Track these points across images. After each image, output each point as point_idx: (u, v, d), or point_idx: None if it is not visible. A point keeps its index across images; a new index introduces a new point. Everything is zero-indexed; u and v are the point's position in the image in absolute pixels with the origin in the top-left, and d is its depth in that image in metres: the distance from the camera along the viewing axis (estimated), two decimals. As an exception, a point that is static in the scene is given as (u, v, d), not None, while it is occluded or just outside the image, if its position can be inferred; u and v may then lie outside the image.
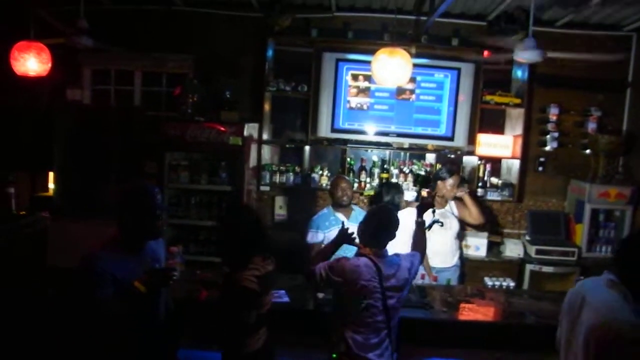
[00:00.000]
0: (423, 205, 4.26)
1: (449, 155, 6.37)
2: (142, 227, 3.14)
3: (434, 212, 4.89)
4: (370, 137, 6.35)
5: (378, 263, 3.48)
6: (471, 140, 6.33)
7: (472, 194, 5.57)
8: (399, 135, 6.36)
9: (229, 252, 3.35)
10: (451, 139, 6.34)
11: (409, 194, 6.01)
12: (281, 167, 6.42)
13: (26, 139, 6.46)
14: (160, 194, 3.24)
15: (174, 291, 3.52)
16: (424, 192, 4.78)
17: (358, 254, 3.58)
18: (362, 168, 6.38)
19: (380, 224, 3.59)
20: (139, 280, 3.07)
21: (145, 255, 3.23)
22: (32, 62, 5.26)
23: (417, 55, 5.95)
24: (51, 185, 6.39)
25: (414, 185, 6.09)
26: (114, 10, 6.48)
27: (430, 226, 4.41)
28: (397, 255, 3.68)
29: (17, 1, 5.91)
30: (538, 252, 6.02)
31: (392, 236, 3.62)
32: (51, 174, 6.37)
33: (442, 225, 4.81)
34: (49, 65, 5.37)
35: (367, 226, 3.61)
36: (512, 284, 5.70)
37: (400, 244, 4.09)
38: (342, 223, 4.14)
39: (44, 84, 5.99)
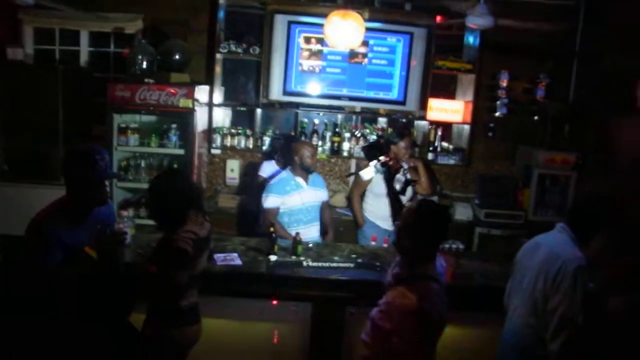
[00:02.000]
0: (391, 171, 4.36)
1: (400, 120, 6.44)
2: (88, 192, 3.12)
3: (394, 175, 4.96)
4: (322, 100, 6.39)
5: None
6: (423, 105, 6.44)
7: (425, 164, 5.65)
8: (351, 99, 6.41)
9: (162, 215, 3.31)
10: (403, 103, 6.42)
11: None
12: (232, 130, 6.40)
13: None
14: (107, 159, 3.20)
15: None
16: (383, 159, 4.83)
17: (421, 276, 2.85)
18: (314, 131, 6.43)
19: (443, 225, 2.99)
20: (89, 246, 3.07)
21: (95, 220, 3.23)
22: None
23: (370, 19, 5.99)
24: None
25: (366, 157, 5.99)
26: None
27: (404, 189, 4.48)
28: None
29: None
30: (487, 215, 6.22)
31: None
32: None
33: (414, 185, 4.93)
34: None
35: (430, 232, 2.90)
36: (461, 246, 5.85)
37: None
38: None
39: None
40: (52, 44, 6.72)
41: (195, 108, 5.62)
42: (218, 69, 6.42)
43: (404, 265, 2.89)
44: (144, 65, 5.86)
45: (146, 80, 5.71)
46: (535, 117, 6.64)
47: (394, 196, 4.39)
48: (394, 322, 2.68)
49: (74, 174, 3.12)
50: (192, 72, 6.12)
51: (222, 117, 6.61)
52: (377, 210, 5.42)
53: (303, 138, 6.29)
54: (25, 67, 6.13)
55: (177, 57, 5.95)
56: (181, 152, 5.66)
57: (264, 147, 6.35)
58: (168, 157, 5.81)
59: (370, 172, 4.74)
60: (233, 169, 6.62)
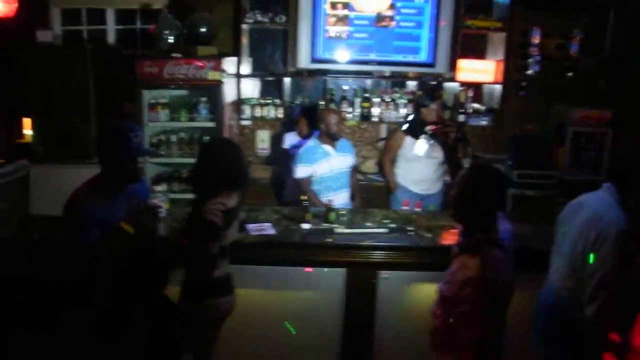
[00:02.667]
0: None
1: (430, 82, 6.35)
2: (122, 170, 3.16)
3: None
4: (350, 66, 6.35)
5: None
6: (452, 66, 6.34)
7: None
8: (379, 63, 6.36)
9: (201, 182, 3.38)
10: (432, 65, 6.35)
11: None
12: (261, 101, 6.40)
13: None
14: (140, 136, 3.23)
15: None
16: (429, 129, 4.83)
17: (483, 243, 2.73)
18: (343, 98, 6.40)
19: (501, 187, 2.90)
20: (125, 221, 3.12)
21: (129, 196, 3.28)
22: (-3, 4, 5.13)
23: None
24: (27, 132, 6.32)
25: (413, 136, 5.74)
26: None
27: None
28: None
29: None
30: (520, 176, 6.11)
31: None
32: (27, 120, 6.29)
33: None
34: (16, 5, 5.24)
35: (486, 197, 2.77)
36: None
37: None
38: None
39: (11, 26, 5.84)
40: (79, 24, 6.78)
41: (224, 80, 5.63)
42: (245, 40, 6.42)
43: (465, 234, 2.80)
44: (171, 39, 5.86)
45: (173, 54, 5.73)
46: (569, 74, 6.48)
47: (454, 162, 4.35)
48: (458, 292, 2.64)
49: (108, 152, 3.15)
50: (219, 44, 6.11)
51: (251, 88, 6.62)
52: (409, 174, 5.39)
53: (332, 105, 6.26)
54: (54, 48, 6.19)
55: (203, 29, 5.94)
56: (212, 124, 5.69)
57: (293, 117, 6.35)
58: (199, 130, 5.85)
59: (423, 147, 4.75)
60: (264, 140, 6.64)
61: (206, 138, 5.68)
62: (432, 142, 4.95)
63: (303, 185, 5.02)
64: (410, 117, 5.46)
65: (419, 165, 5.25)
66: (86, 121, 5.86)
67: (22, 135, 6.46)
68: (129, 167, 3.18)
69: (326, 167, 5.04)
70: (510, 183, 5.54)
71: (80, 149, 5.79)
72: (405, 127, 5.34)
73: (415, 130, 4.97)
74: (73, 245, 3.09)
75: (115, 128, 3.23)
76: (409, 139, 5.23)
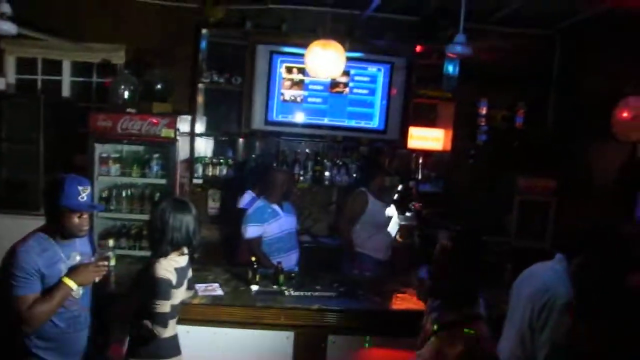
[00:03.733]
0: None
1: (382, 148, 6.50)
2: (68, 223, 3.13)
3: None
4: (304, 129, 6.46)
5: None
6: (403, 133, 6.51)
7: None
8: (333, 128, 6.51)
9: (153, 240, 3.41)
10: (384, 132, 6.54)
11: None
12: (214, 160, 6.44)
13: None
14: (89, 190, 3.21)
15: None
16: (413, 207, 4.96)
17: (468, 318, 2.66)
18: (296, 161, 6.49)
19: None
20: (68, 276, 3.08)
21: (74, 249, 3.24)
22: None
23: (350, 49, 6.08)
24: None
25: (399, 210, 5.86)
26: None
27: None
28: None
29: None
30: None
31: None
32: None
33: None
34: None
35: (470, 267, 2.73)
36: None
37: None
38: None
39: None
40: (34, 74, 6.75)
41: (177, 138, 5.66)
42: (200, 99, 6.50)
43: (446, 309, 2.64)
44: (126, 95, 5.89)
45: (128, 110, 5.74)
46: (515, 144, 6.74)
47: (425, 239, 4.41)
48: None
49: (54, 204, 3.12)
50: (174, 102, 6.17)
51: (204, 146, 6.66)
52: (373, 241, 5.48)
53: (285, 167, 6.34)
54: (6, 96, 6.15)
55: (159, 87, 6.01)
56: (163, 181, 5.68)
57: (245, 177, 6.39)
58: (150, 186, 5.82)
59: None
60: (215, 199, 6.65)
61: (157, 195, 5.66)
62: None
63: (253, 246, 5.03)
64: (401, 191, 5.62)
65: (383, 236, 5.39)
66: (35, 172, 5.80)
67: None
68: (75, 220, 3.15)
69: (276, 227, 5.08)
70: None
71: (27, 199, 5.70)
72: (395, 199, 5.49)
73: (401, 207, 5.09)
74: (12, 297, 3.01)
75: (63, 179, 3.17)
76: (374, 204, 5.36)
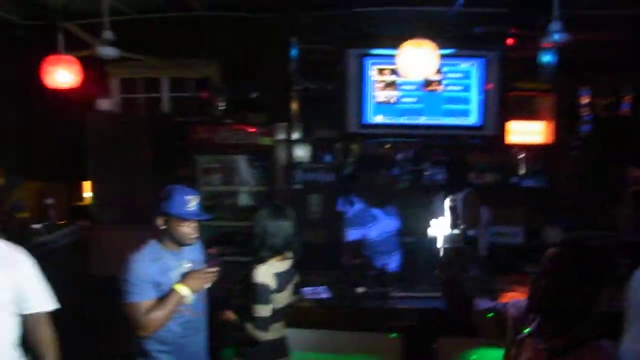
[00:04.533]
0: None
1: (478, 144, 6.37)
2: (176, 232, 3.23)
3: None
4: (400, 130, 6.40)
5: None
6: (502, 128, 6.34)
7: None
8: (429, 127, 6.40)
9: (255, 246, 3.50)
10: (482, 128, 6.38)
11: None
12: (312, 165, 6.50)
13: (61, 150, 6.64)
14: (198, 199, 3.29)
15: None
16: None
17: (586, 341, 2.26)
18: (394, 162, 6.45)
19: None
20: (180, 283, 3.18)
21: (185, 257, 3.34)
22: (62, 75, 5.41)
23: (441, 46, 5.98)
24: (87, 195, 6.56)
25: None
26: (138, 19, 6.61)
27: None
28: None
29: (45, 16, 6.07)
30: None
31: None
32: (86, 183, 6.54)
33: None
34: (79, 77, 5.51)
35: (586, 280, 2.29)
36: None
37: None
38: None
39: (74, 96, 6.14)
40: (136, 93, 7.08)
41: (275, 145, 5.76)
42: (295, 106, 6.58)
43: (554, 332, 2.23)
44: (223, 106, 6.06)
45: (225, 121, 5.90)
46: (622, 133, 6.42)
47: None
48: None
49: (165, 214, 3.23)
50: (269, 111, 6.28)
51: (302, 152, 6.74)
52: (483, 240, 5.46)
53: (382, 169, 6.30)
54: (112, 116, 6.47)
55: (254, 96, 6.14)
56: (263, 189, 5.79)
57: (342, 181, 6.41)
58: (251, 194, 5.95)
59: None
60: (314, 204, 6.70)
61: (258, 202, 5.77)
62: None
63: (352, 249, 5.05)
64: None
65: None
66: (142, 185, 6.05)
67: (81, 198, 6.70)
68: (183, 230, 3.24)
69: (376, 230, 5.07)
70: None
71: (136, 212, 5.95)
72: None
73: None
74: (128, 306, 3.14)
75: (171, 191, 3.27)
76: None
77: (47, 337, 2.88)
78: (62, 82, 5.43)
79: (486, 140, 6.44)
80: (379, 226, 5.08)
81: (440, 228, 2.86)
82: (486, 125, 6.38)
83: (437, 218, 3.01)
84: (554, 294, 2.20)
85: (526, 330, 2.33)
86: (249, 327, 3.40)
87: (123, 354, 3.38)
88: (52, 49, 5.41)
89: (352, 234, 5.07)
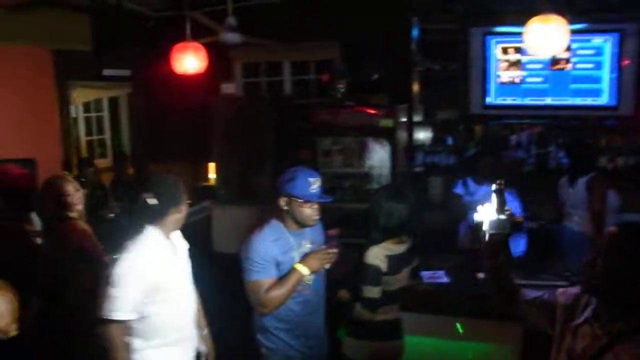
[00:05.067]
0: None
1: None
2: (299, 213, 3.27)
3: None
4: (524, 111, 6.17)
5: None
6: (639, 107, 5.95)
7: None
8: (555, 108, 6.13)
9: (370, 228, 3.47)
10: (616, 108, 6.01)
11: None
12: (433, 147, 6.41)
13: (187, 132, 6.96)
14: (320, 182, 3.32)
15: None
16: None
17: None
18: (518, 144, 6.23)
19: None
20: (300, 263, 3.23)
21: (305, 238, 3.39)
22: (190, 61, 5.65)
23: (572, 21, 5.68)
24: (211, 175, 6.84)
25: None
26: (260, 5, 6.75)
27: None
28: None
29: (174, 7, 6.36)
30: None
31: None
32: (211, 165, 6.82)
33: None
34: (205, 63, 5.73)
35: None
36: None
37: None
38: None
39: (200, 80, 6.39)
40: (258, 76, 7.26)
41: (396, 127, 5.72)
42: (415, 87, 6.51)
43: (613, 317, 2.06)
44: (343, 89, 6.09)
45: (346, 103, 5.93)
46: None
47: None
48: None
49: (288, 196, 3.29)
50: (390, 92, 6.24)
51: (423, 134, 6.66)
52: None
53: (506, 152, 6.13)
54: (236, 99, 6.69)
55: (374, 78, 6.12)
56: (383, 171, 5.78)
57: (463, 163, 6.28)
58: (371, 176, 5.96)
59: None
60: (435, 186, 6.62)
61: (377, 185, 5.77)
62: None
63: (474, 232, 4.93)
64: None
65: None
66: (264, 166, 6.22)
67: (206, 179, 6.99)
68: (305, 211, 3.29)
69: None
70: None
71: (258, 192, 6.14)
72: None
73: None
74: (249, 283, 3.25)
75: (294, 173, 3.28)
76: None
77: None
78: (189, 68, 5.67)
79: (621, 121, 6.06)
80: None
81: (486, 213, 2.72)
82: (621, 105, 6.01)
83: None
84: (611, 277, 2.04)
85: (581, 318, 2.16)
86: (358, 307, 3.41)
87: (243, 330, 3.52)
88: (180, 37, 5.65)
89: (473, 218, 4.94)
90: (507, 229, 2.60)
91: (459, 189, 5.76)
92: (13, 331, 2.43)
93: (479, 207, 2.81)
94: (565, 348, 2.20)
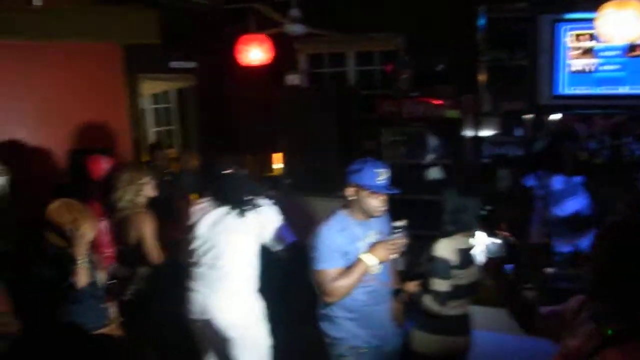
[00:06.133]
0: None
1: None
2: (365, 204, 3.28)
3: None
4: (597, 101, 5.96)
5: None
6: None
7: None
8: (632, 97, 5.89)
9: (441, 220, 3.54)
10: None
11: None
12: (501, 139, 6.27)
13: (251, 123, 7.04)
14: (387, 173, 3.32)
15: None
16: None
17: None
18: (590, 135, 6.03)
19: None
20: (366, 253, 3.25)
21: (372, 228, 3.40)
22: (254, 53, 5.74)
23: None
24: (277, 166, 6.91)
25: None
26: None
27: None
28: None
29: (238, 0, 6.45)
30: None
31: None
32: (276, 155, 6.88)
33: None
34: (270, 54, 5.79)
35: None
36: None
37: None
38: None
39: (265, 71, 6.45)
40: (322, 67, 7.28)
41: (462, 118, 5.64)
42: (482, 77, 6.37)
43: (613, 316, 1.98)
44: (408, 79, 6.04)
45: (411, 94, 5.88)
46: None
47: None
48: None
49: (355, 187, 3.30)
50: (456, 82, 6.15)
51: (489, 125, 6.52)
52: None
53: (577, 144, 5.95)
54: (301, 90, 6.72)
55: (440, 68, 6.04)
56: (449, 162, 5.72)
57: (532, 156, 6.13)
58: (436, 168, 5.90)
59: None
60: (503, 178, 6.48)
61: (443, 176, 5.72)
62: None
63: (546, 227, 4.84)
64: None
65: None
66: (330, 157, 6.24)
67: (271, 169, 7.07)
68: (372, 202, 3.29)
69: (571, 206, 4.82)
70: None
71: (323, 182, 6.16)
72: None
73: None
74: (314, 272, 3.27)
75: (362, 164, 3.33)
76: None
77: None
78: (254, 59, 5.75)
79: None
80: (575, 202, 4.81)
81: (479, 240, 2.72)
82: None
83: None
84: (600, 278, 2.03)
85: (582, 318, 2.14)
86: (427, 299, 3.41)
87: (309, 319, 3.58)
88: (245, 29, 5.71)
89: (562, 209, 4.86)
90: (501, 251, 2.60)
91: (530, 181, 5.64)
92: None
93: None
94: (564, 346, 2.15)
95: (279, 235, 3.80)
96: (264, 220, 3.76)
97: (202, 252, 3.73)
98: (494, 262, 2.62)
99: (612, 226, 2.16)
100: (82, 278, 3.38)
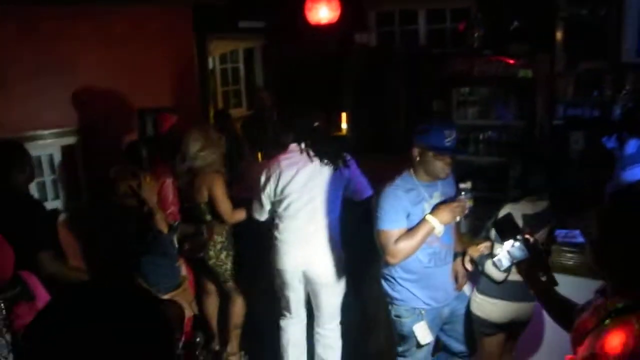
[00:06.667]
0: None
1: None
2: (431, 166, 3.24)
3: None
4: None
5: None
6: None
7: None
8: None
9: (509, 184, 3.48)
10: None
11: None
12: (577, 99, 6.02)
13: (320, 83, 7.00)
14: (454, 135, 3.23)
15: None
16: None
17: None
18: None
19: None
20: (430, 214, 3.21)
21: (437, 190, 3.36)
22: (323, 11, 5.67)
23: None
24: (344, 125, 6.88)
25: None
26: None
27: None
28: None
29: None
30: None
31: None
32: (344, 114, 6.85)
33: None
34: (338, 12, 5.72)
35: None
36: None
37: None
38: None
39: (333, 30, 6.39)
40: (392, 26, 7.14)
41: (536, 77, 5.44)
42: (559, 35, 6.10)
43: (615, 291, 1.92)
44: (480, 37, 5.86)
45: (483, 52, 5.72)
46: None
47: None
48: None
49: (422, 147, 3.25)
50: (531, 41, 5.91)
51: (564, 85, 6.26)
52: None
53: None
54: (370, 49, 6.65)
55: (514, 26, 5.82)
56: (521, 123, 5.55)
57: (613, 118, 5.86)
58: (507, 129, 5.74)
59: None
60: (577, 141, 6.24)
61: (514, 138, 5.56)
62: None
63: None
64: None
65: None
66: (397, 117, 6.18)
67: (339, 128, 7.05)
68: (438, 164, 3.23)
69: None
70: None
71: (391, 142, 6.11)
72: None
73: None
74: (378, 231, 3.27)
75: (430, 125, 3.29)
76: None
77: None
78: (322, 18, 5.70)
79: None
80: None
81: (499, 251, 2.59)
82: None
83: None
84: (605, 251, 1.92)
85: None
86: (488, 264, 3.32)
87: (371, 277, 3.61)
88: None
89: (626, 175, 4.65)
90: (526, 253, 2.48)
91: (611, 144, 5.39)
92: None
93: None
94: (579, 318, 2.08)
95: (361, 188, 3.91)
96: (350, 174, 3.87)
97: (298, 206, 3.81)
98: (522, 265, 2.54)
99: (610, 205, 2.04)
100: (164, 226, 3.55)
